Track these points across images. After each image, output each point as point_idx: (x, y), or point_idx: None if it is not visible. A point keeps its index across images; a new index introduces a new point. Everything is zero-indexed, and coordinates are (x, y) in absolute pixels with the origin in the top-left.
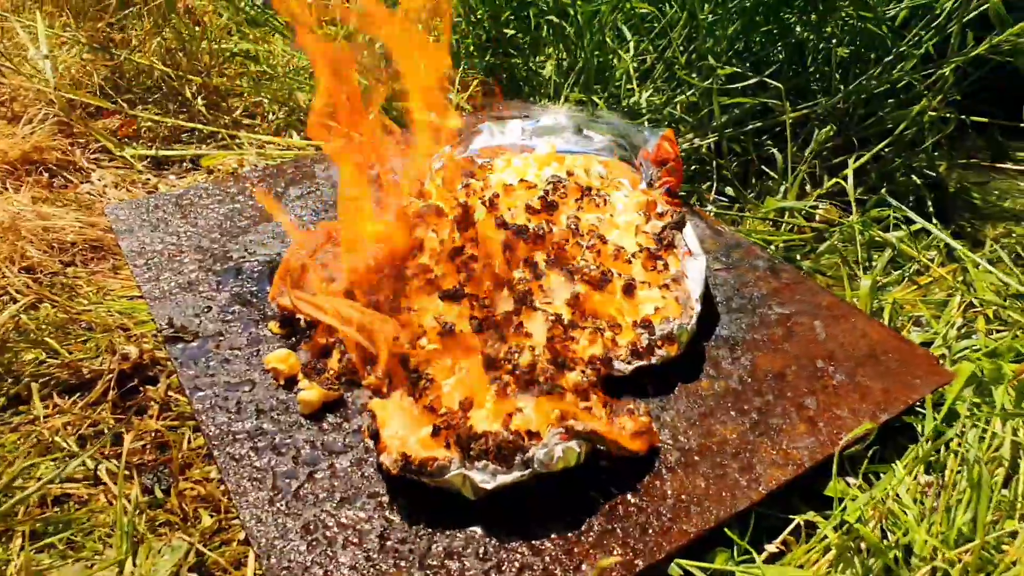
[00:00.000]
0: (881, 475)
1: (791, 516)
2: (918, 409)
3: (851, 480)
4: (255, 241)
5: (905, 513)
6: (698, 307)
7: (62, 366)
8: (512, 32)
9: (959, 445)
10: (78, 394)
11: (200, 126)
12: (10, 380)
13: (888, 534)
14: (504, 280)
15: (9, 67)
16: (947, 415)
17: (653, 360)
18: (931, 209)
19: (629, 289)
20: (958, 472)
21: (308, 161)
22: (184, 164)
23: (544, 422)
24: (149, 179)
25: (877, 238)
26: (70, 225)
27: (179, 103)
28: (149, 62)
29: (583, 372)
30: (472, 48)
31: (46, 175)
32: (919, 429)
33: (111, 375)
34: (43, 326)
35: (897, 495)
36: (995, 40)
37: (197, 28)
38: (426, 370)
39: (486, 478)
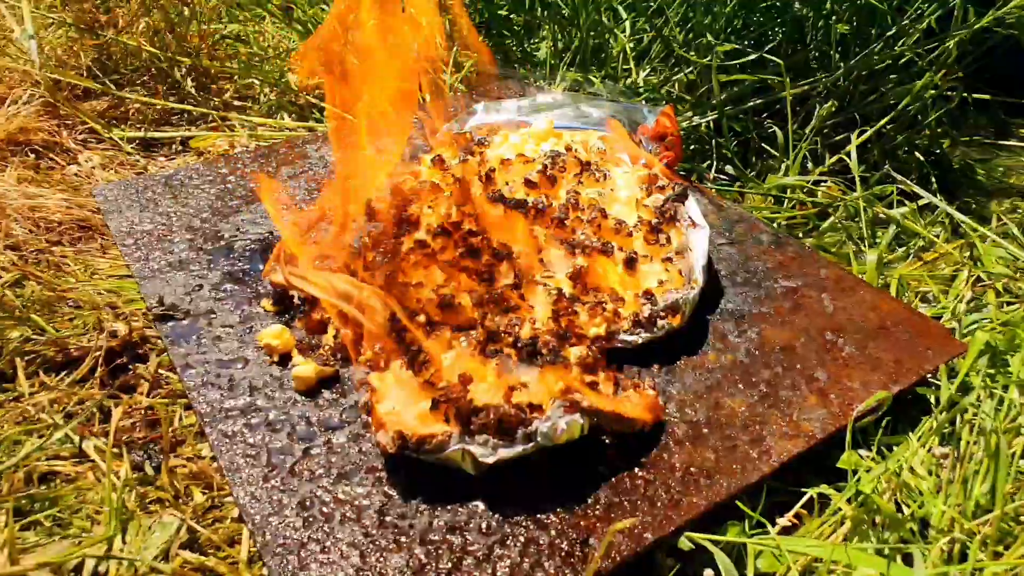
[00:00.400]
0: (894, 447)
1: (802, 489)
2: (931, 380)
3: (863, 452)
4: (247, 220)
5: (920, 485)
6: (702, 278)
7: (48, 343)
8: (506, 12)
9: (974, 416)
10: (65, 371)
11: (190, 107)
12: None
13: (903, 506)
14: (503, 254)
15: None
16: (960, 386)
17: (656, 331)
18: (935, 186)
19: (631, 263)
20: (974, 443)
21: (300, 141)
22: (174, 146)
23: (548, 395)
24: (138, 161)
25: (881, 214)
26: (57, 205)
27: (168, 85)
28: (137, 43)
29: (589, 348)
30: (465, 29)
31: (32, 156)
32: (932, 400)
33: (99, 352)
34: (28, 303)
35: (911, 467)
36: (998, 13)
37: (186, 9)
38: (424, 344)
39: (487, 452)
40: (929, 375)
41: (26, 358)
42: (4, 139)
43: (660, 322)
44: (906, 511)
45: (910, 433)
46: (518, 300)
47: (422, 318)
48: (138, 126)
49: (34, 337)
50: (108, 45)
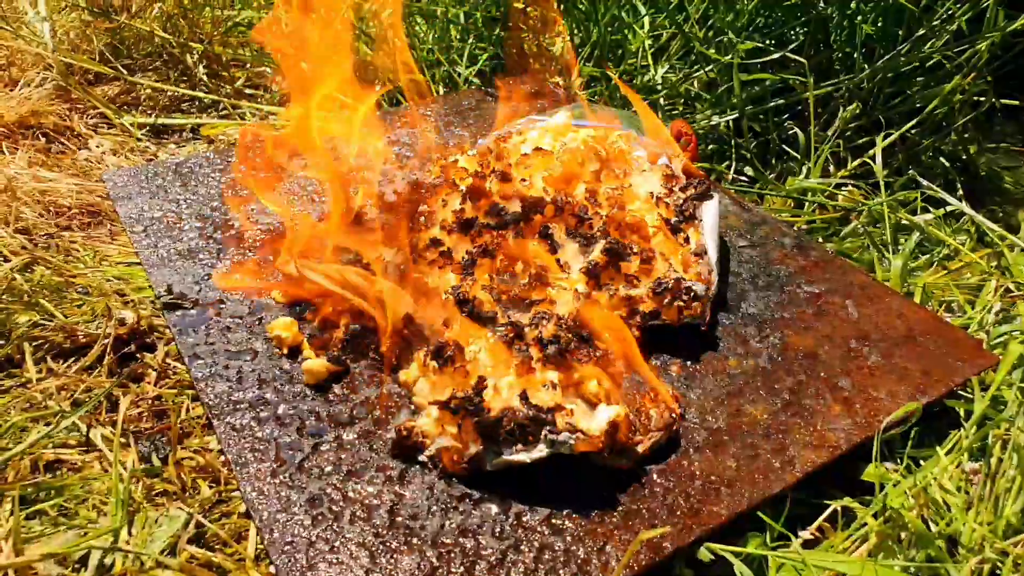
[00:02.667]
0: (921, 461)
1: (826, 502)
2: (960, 393)
3: (889, 465)
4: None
5: (949, 501)
6: (715, 279)
7: (56, 329)
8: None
9: (1007, 431)
10: (73, 358)
11: (201, 95)
12: (2, 341)
13: (931, 523)
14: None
15: (7, 30)
16: (992, 399)
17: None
18: (960, 193)
19: (647, 261)
20: (1007, 459)
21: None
22: (184, 134)
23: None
24: (148, 147)
25: (904, 221)
26: (67, 190)
27: (180, 71)
28: (150, 28)
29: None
30: (481, 22)
31: (43, 140)
32: (962, 413)
33: (107, 340)
34: (37, 287)
35: (940, 483)
36: None
37: None
38: (447, 338)
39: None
40: (958, 387)
41: (34, 343)
42: (16, 122)
43: (677, 302)
44: (934, 528)
45: (938, 447)
46: (538, 295)
47: (439, 312)
48: (149, 112)
49: (42, 322)
50: (121, 29)
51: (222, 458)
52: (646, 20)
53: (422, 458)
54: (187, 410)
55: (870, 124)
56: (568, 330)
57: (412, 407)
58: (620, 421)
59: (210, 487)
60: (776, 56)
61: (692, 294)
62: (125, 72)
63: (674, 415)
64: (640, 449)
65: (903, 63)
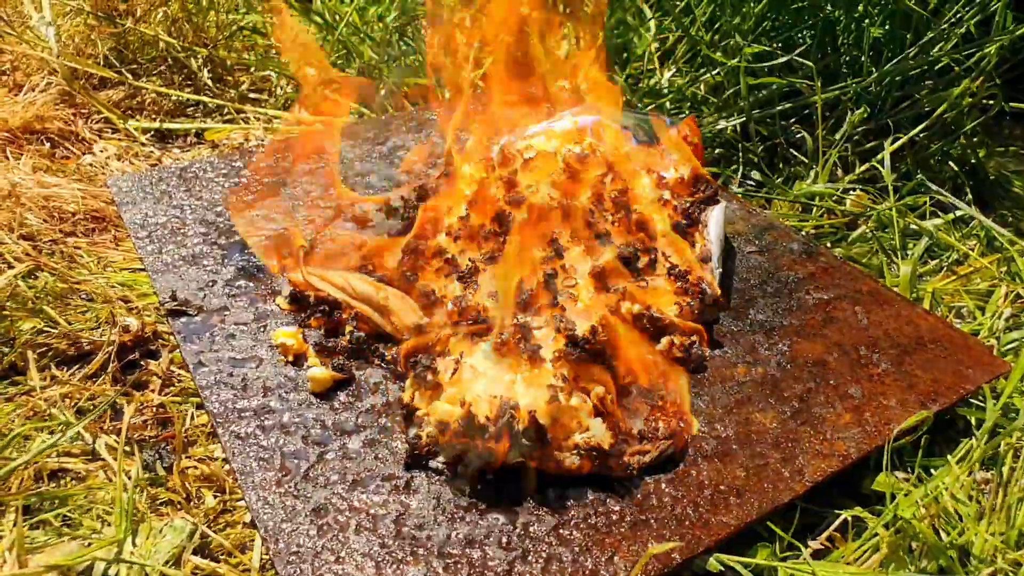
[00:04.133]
0: (932, 470)
1: (835, 511)
2: (970, 400)
3: (899, 474)
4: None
5: (961, 511)
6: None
7: (60, 336)
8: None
9: (1019, 439)
10: (76, 366)
11: (206, 99)
12: (6, 349)
13: (942, 533)
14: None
15: (12, 34)
16: (1003, 408)
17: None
18: (969, 197)
19: (652, 265)
20: (1019, 468)
21: (316, 136)
22: (188, 138)
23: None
24: (152, 152)
25: (913, 226)
26: (71, 195)
27: (184, 75)
28: (154, 33)
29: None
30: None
31: (47, 145)
32: (973, 422)
33: (111, 347)
34: (41, 294)
35: (952, 492)
36: None
37: None
38: (443, 349)
39: None
40: (969, 395)
41: (38, 351)
42: (20, 127)
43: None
44: (946, 538)
45: (949, 456)
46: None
47: (443, 321)
48: (153, 117)
49: (46, 329)
50: (125, 34)
51: (226, 467)
52: (652, 23)
53: (435, 464)
54: (191, 418)
55: (878, 128)
56: (593, 333)
57: (415, 421)
58: (599, 446)
59: (214, 496)
60: (783, 60)
61: (703, 291)
62: (129, 76)
63: (682, 423)
64: (647, 459)
65: (911, 67)
